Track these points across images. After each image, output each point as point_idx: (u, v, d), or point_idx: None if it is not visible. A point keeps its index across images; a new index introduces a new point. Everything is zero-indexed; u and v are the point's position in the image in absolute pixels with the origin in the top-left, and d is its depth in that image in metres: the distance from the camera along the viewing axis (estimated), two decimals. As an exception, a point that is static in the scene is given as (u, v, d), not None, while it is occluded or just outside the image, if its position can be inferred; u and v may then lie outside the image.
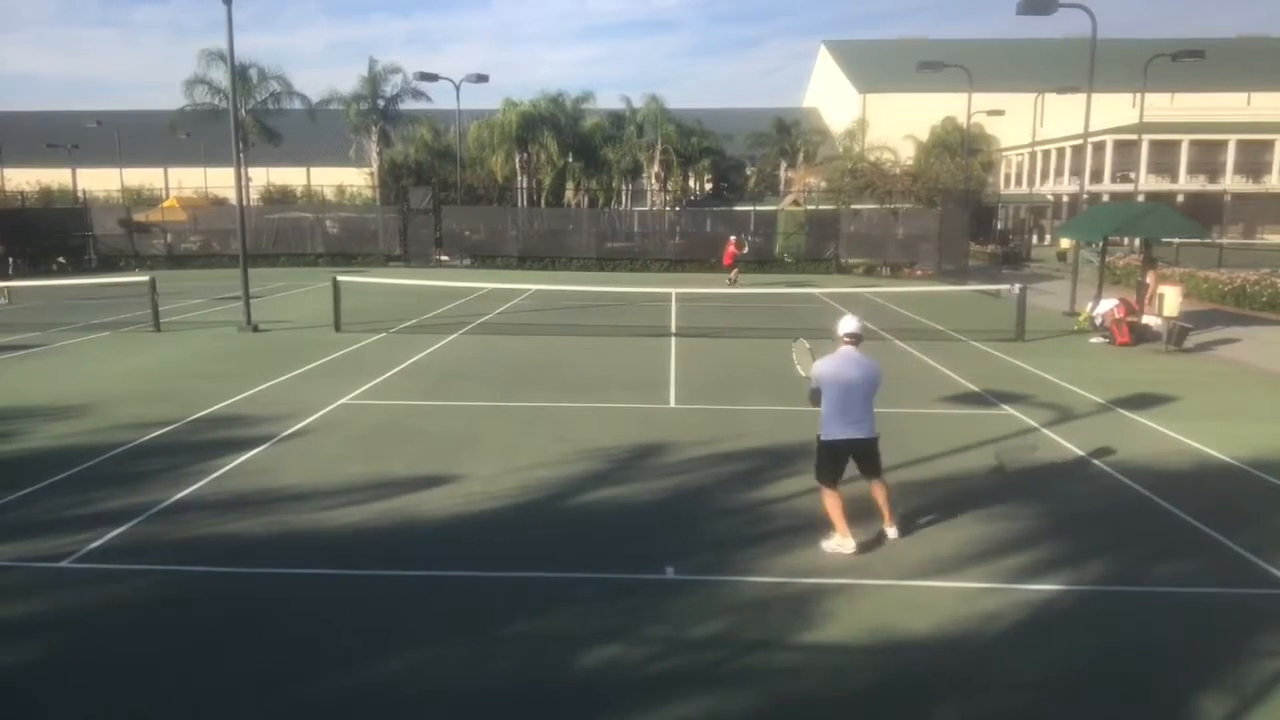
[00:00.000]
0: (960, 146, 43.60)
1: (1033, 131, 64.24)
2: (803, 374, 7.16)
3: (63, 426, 10.08)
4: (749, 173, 58.89)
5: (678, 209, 42.16)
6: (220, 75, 39.53)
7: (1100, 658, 5.14)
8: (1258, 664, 5.09)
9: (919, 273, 32.69)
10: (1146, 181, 56.91)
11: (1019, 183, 72.00)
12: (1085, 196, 36.93)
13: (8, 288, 23.08)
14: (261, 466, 8.66)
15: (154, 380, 12.83)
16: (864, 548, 6.64)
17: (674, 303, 22.32)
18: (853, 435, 6.58)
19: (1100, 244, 20.33)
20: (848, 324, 6.70)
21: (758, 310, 21.42)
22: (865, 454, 6.72)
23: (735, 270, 28.90)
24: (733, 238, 30.68)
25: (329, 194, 46.85)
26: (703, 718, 4.53)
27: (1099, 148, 58.90)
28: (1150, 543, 6.93)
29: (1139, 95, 39.80)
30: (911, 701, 4.72)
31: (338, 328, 17.49)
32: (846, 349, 6.61)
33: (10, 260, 27.94)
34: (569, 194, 47.54)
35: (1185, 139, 60.79)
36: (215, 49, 38.58)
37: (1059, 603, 5.82)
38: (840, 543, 6.55)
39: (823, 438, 6.62)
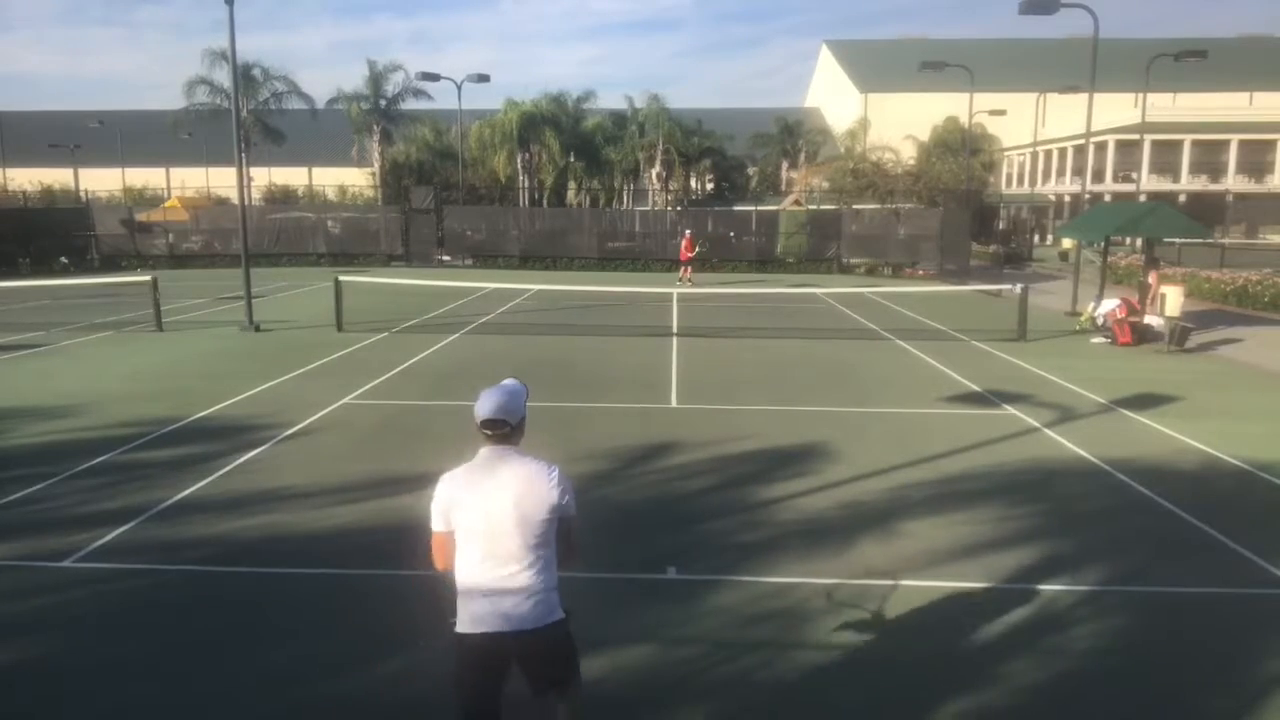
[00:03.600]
0: (962, 146, 43.58)
1: (1034, 131, 64.19)
2: None
3: (64, 426, 10.09)
4: (750, 173, 58.87)
5: (679, 209, 42.15)
6: (223, 75, 39.64)
7: (1101, 658, 5.13)
8: (1258, 664, 5.09)
9: (921, 273, 32.69)
10: (1148, 181, 56.82)
11: (1021, 183, 71.97)
12: (1087, 196, 36.85)
13: None
14: (263, 466, 8.67)
15: (156, 380, 12.84)
16: (863, 549, 6.63)
17: (675, 303, 22.33)
18: (497, 628, 3.35)
19: (1102, 244, 20.33)
20: (485, 404, 3.44)
21: (759, 311, 21.42)
22: (532, 658, 3.44)
23: (688, 269, 28.38)
24: (688, 232, 29.89)
25: (331, 194, 46.85)
26: (703, 719, 4.53)
27: (1101, 147, 58.87)
28: (1151, 543, 6.93)
29: (1141, 95, 39.83)
30: (912, 703, 4.71)
31: (339, 328, 17.49)
32: (487, 451, 3.46)
33: None
34: (571, 194, 47.56)
35: (1187, 139, 60.76)
36: (219, 49, 38.65)
37: (1059, 603, 5.81)
38: None
39: (456, 627, 3.43)
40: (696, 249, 29.01)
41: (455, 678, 3.45)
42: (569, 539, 3.51)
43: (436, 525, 3.45)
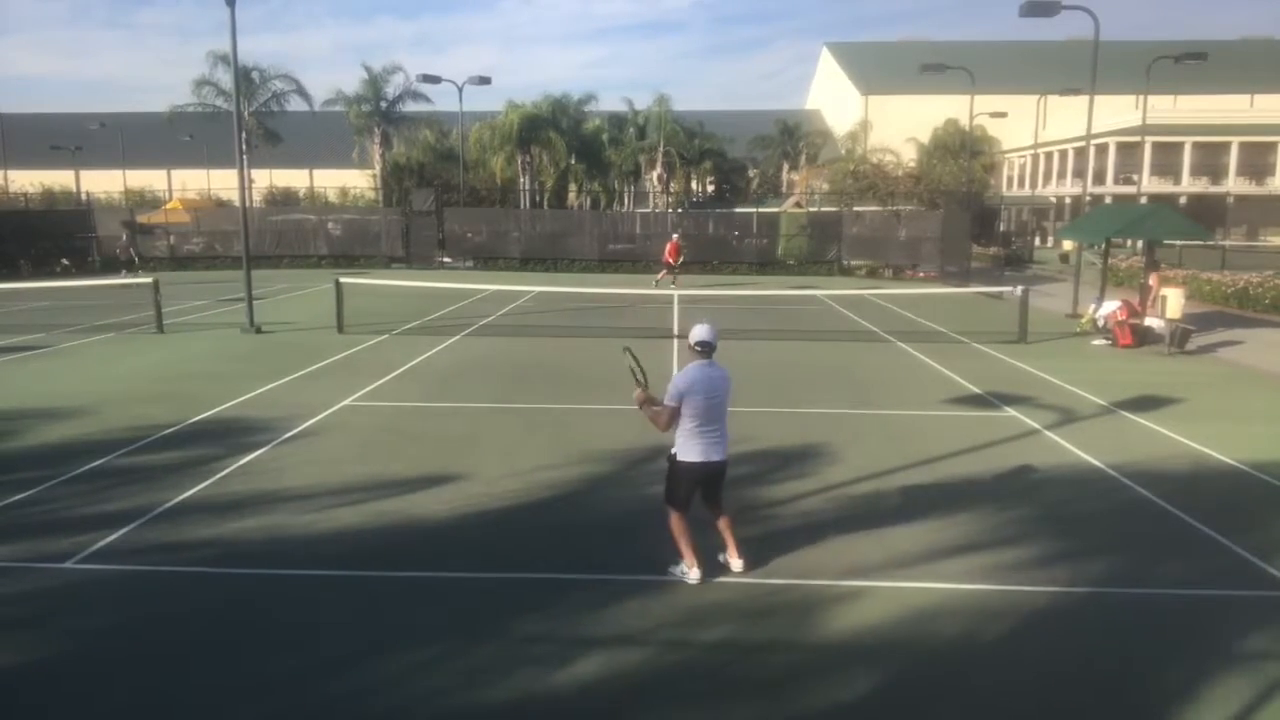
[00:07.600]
0: (962, 148, 43.59)
1: (1035, 133, 64.24)
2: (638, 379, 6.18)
3: (66, 427, 10.10)
4: (751, 175, 58.91)
5: (680, 211, 42.17)
6: (225, 76, 39.68)
7: (1102, 659, 5.14)
8: (1259, 665, 5.09)
9: (921, 274, 32.68)
10: (1149, 183, 56.81)
11: (1021, 185, 71.97)
12: (1088, 198, 36.88)
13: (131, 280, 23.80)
14: (264, 468, 8.68)
15: (157, 382, 12.85)
16: (863, 550, 6.64)
17: (676, 305, 22.33)
18: (711, 458, 6.03)
19: (1103, 246, 20.34)
20: (699, 332, 6.03)
21: (759, 312, 21.42)
22: (717, 481, 6.22)
23: (671, 272, 27.39)
24: (675, 235, 29.05)
25: (332, 196, 46.91)
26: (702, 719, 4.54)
27: (1101, 149, 58.90)
28: (1151, 544, 6.93)
29: (1142, 97, 39.78)
30: (911, 703, 4.72)
31: (340, 329, 17.50)
32: (703, 362, 6.03)
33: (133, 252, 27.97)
34: (571, 196, 47.60)
35: (1188, 141, 60.79)
36: (223, 51, 38.69)
37: (1060, 604, 5.82)
38: (686, 570, 6.09)
39: (681, 458, 6.00)
40: (680, 257, 27.89)
41: (675, 483, 6.03)
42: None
43: (672, 401, 5.86)
